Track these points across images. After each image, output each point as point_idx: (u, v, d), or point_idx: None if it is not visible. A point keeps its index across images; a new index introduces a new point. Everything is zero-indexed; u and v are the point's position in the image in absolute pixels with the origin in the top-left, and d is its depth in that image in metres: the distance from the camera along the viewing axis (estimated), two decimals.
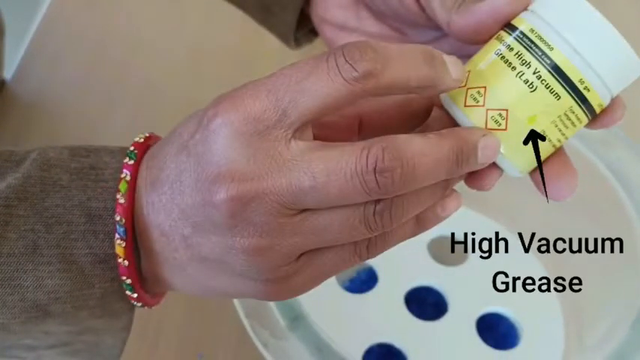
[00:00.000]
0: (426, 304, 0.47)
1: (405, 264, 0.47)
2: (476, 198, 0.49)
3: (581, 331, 0.42)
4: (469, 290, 0.46)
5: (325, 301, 0.45)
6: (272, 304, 0.34)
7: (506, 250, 0.48)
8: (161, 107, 0.63)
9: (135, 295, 0.26)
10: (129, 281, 0.26)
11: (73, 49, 0.67)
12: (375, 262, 0.47)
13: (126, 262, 0.25)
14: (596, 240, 0.42)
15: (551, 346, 0.43)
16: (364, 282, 0.49)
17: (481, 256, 0.47)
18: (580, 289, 0.43)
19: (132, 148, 0.26)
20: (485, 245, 0.48)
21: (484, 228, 0.49)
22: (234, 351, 0.47)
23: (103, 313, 0.27)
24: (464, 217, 0.49)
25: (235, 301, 0.34)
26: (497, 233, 0.49)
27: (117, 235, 0.25)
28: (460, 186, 0.52)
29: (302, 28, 0.40)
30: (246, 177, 0.23)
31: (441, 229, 0.49)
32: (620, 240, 0.39)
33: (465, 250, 0.48)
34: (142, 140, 0.27)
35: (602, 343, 0.35)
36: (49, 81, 0.65)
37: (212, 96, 0.68)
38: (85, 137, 0.60)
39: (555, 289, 0.45)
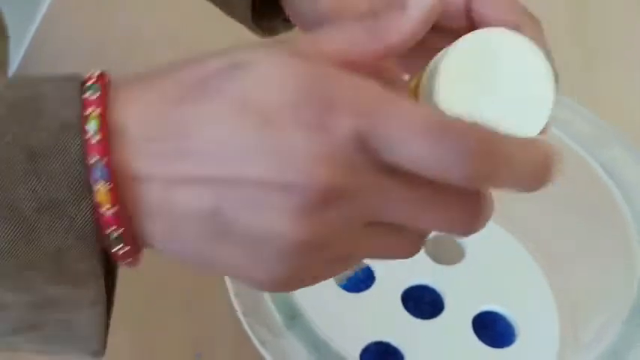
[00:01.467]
0: (423, 302, 0.47)
1: (401, 263, 0.47)
2: None
3: (576, 329, 0.42)
4: (465, 289, 0.46)
5: (322, 300, 0.45)
6: (270, 302, 0.35)
7: (503, 250, 0.48)
8: None
9: (123, 251, 0.22)
10: (119, 231, 0.22)
11: (73, 49, 0.67)
12: (372, 261, 0.48)
13: (111, 210, 0.21)
14: (590, 238, 0.43)
15: (547, 344, 0.43)
16: (361, 281, 0.50)
17: (477, 256, 0.48)
18: (575, 287, 0.43)
19: (91, 82, 0.22)
20: (481, 245, 0.48)
21: None
22: (232, 351, 0.47)
23: (61, 278, 0.22)
24: None
25: (233, 300, 0.34)
26: (493, 233, 0.49)
27: (95, 178, 0.21)
28: None
29: (275, 16, 0.37)
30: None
31: None
32: (614, 238, 0.39)
33: (462, 250, 0.49)
34: (96, 76, 0.23)
35: (596, 340, 0.35)
36: None
37: None
38: None
39: (550, 286, 0.46)
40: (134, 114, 0.22)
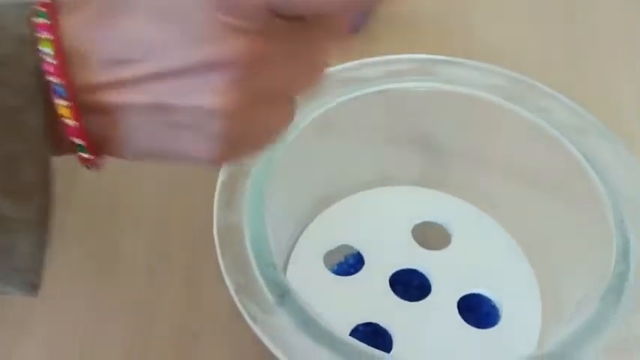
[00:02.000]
0: (411, 286, 0.49)
1: (390, 248, 0.49)
2: (459, 186, 0.51)
3: (558, 307, 0.44)
4: (451, 273, 0.48)
5: (312, 284, 0.47)
6: (261, 280, 0.36)
7: (487, 235, 0.50)
8: None
9: (87, 157, 0.26)
10: (82, 142, 0.25)
11: None
12: (362, 247, 0.49)
13: (72, 123, 0.25)
14: (570, 221, 0.44)
15: (530, 323, 0.45)
16: (351, 266, 0.51)
17: (463, 241, 0.49)
18: (555, 268, 0.45)
19: (42, 9, 0.25)
20: (467, 231, 0.50)
21: (466, 214, 0.51)
22: (227, 332, 0.49)
23: (8, 187, 0.23)
24: (447, 204, 0.52)
25: (225, 278, 0.36)
26: (478, 219, 0.51)
27: (55, 97, 0.24)
28: (447, 176, 0.53)
29: None
30: None
31: (424, 216, 0.51)
32: (592, 221, 0.41)
33: (448, 236, 0.50)
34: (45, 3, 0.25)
35: (575, 315, 0.37)
36: None
37: None
38: None
39: (533, 268, 0.47)
40: (78, 33, 0.24)
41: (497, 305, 0.47)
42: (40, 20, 0.24)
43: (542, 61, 0.67)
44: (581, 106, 0.45)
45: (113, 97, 0.25)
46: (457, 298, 0.46)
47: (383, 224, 0.51)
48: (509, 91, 0.45)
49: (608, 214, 0.40)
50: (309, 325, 0.35)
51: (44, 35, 0.24)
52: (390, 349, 0.44)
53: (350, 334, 0.45)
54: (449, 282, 0.47)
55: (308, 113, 0.44)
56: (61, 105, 0.24)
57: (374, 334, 0.46)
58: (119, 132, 0.26)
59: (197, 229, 0.54)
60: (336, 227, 0.50)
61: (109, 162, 0.28)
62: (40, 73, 0.24)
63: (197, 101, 0.24)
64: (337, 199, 0.51)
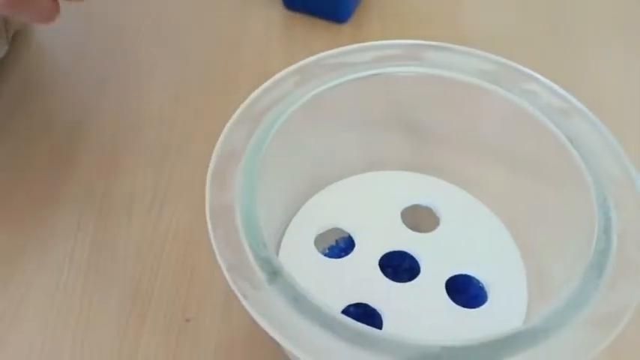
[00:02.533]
0: (400, 267, 0.50)
1: (380, 231, 0.50)
2: (446, 170, 0.52)
3: (543, 286, 0.45)
4: (440, 254, 0.49)
5: (303, 266, 0.48)
6: (252, 259, 0.37)
7: (475, 218, 0.51)
8: (149, 88, 0.65)
9: None
10: None
11: (60, 33, 0.69)
12: (352, 231, 0.50)
13: None
14: (555, 203, 0.45)
15: (516, 302, 0.46)
16: (343, 249, 0.52)
17: (451, 224, 0.50)
18: (540, 248, 0.46)
19: None
20: (455, 213, 0.51)
21: (454, 197, 0.52)
22: (221, 316, 0.50)
23: None
24: (435, 187, 0.53)
25: (218, 257, 0.37)
26: (466, 202, 0.52)
27: None
28: (435, 160, 0.54)
29: None
30: None
31: (413, 200, 0.52)
32: (576, 203, 0.42)
33: (437, 218, 0.51)
34: None
35: (559, 293, 0.38)
36: (37, 67, 0.67)
37: (199, 77, 0.71)
38: (76, 124, 0.62)
39: (519, 249, 0.48)
40: None
41: (485, 286, 0.48)
42: None
43: (529, 46, 0.68)
44: (566, 90, 0.46)
45: None
46: (445, 279, 0.47)
47: (373, 208, 0.51)
48: (495, 75, 0.46)
49: (591, 194, 0.41)
50: (300, 301, 0.36)
51: None
52: (380, 329, 0.45)
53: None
54: (437, 263, 0.48)
55: (297, 98, 0.45)
56: None
57: (364, 315, 0.47)
58: None
59: (191, 213, 0.55)
60: (327, 211, 0.51)
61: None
62: None
63: None
64: (327, 184, 0.52)
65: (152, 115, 0.61)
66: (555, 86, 0.45)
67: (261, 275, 0.36)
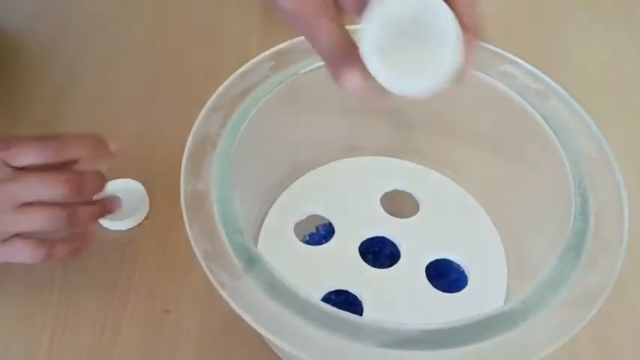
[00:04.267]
0: (381, 253, 0.50)
1: (360, 218, 0.50)
2: (425, 155, 0.52)
3: (522, 267, 0.45)
4: (420, 239, 0.48)
5: (283, 255, 0.47)
6: (228, 247, 0.36)
7: (454, 202, 0.51)
8: (123, 80, 0.64)
9: None
10: None
11: (37, 24, 0.68)
12: (332, 217, 0.50)
13: None
14: (533, 185, 0.45)
15: (496, 285, 0.46)
16: (323, 236, 0.52)
17: (431, 209, 0.50)
18: (519, 230, 0.46)
19: None
20: (435, 198, 0.51)
21: (433, 182, 0.52)
22: (199, 308, 0.49)
23: None
24: (414, 172, 0.52)
25: (193, 245, 0.36)
26: (444, 186, 0.52)
27: None
28: (413, 145, 0.54)
29: None
30: None
31: (392, 185, 0.51)
32: (554, 184, 0.42)
33: (417, 203, 0.51)
34: None
35: (537, 275, 0.38)
36: (13, 56, 0.66)
37: (173, 68, 0.69)
38: (51, 109, 0.61)
39: (498, 232, 0.48)
40: None
41: (465, 270, 0.48)
42: None
43: (508, 29, 0.68)
44: (544, 72, 0.46)
45: None
46: (426, 264, 0.47)
47: (352, 194, 0.51)
48: None
49: (568, 175, 0.41)
50: (277, 289, 0.35)
51: None
52: (361, 315, 0.45)
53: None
54: (418, 248, 0.48)
55: (273, 84, 0.44)
56: None
57: (345, 302, 0.47)
58: None
59: (169, 202, 0.54)
60: (306, 198, 0.51)
61: None
62: None
63: None
64: (306, 171, 0.52)
65: (129, 104, 0.60)
66: (532, 68, 0.45)
67: (237, 263, 0.36)
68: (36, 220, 0.42)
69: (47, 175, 0.42)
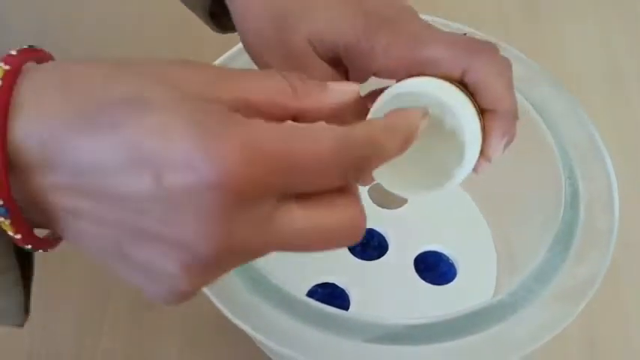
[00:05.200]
0: (369, 245, 0.49)
1: None
2: None
3: (512, 260, 0.44)
4: (409, 231, 0.48)
5: None
6: None
7: (443, 193, 0.50)
8: None
9: (18, 237, 0.23)
10: (29, 246, 0.24)
11: (19, 15, 0.67)
12: None
13: (18, 236, 0.23)
14: (522, 175, 0.44)
15: (486, 276, 0.45)
16: None
17: (419, 199, 0.49)
18: (509, 221, 0.45)
19: None
20: None
21: None
22: (183, 305, 0.48)
23: None
24: None
25: None
26: None
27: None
28: None
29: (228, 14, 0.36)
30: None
31: None
32: (543, 173, 0.41)
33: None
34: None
35: (526, 266, 0.37)
36: None
37: (162, 50, 0.67)
38: None
39: (488, 223, 0.48)
40: (34, 137, 0.22)
41: (454, 261, 0.47)
42: None
43: (495, 14, 0.67)
44: (533, 59, 0.45)
45: (68, 220, 0.23)
46: (414, 256, 0.46)
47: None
48: None
49: (558, 164, 0.40)
50: (260, 283, 0.35)
51: None
52: (348, 309, 0.44)
53: (307, 296, 0.45)
54: (406, 240, 0.47)
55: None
56: (4, 223, 0.23)
57: (331, 295, 0.46)
58: (69, 237, 0.24)
59: None
60: None
61: None
62: None
63: (158, 261, 0.23)
64: None
65: None
66: (521, 54, 0.44)
67: None
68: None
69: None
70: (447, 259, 0.48)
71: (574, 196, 0.38)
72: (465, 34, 0.32)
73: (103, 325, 0.47)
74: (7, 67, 0.22)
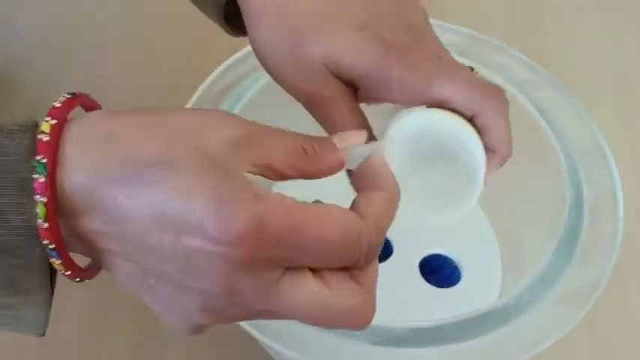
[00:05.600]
0: None
1: None
2: None
3: (517, 263, 0.44)
4: (413, 234, 0.48)
5: None
6: None
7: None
8: (112, 71, 0.63)
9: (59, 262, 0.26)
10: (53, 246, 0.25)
11: (23, 14, 0.67)
12: None
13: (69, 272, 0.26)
14: (527, 178, 0.44)
15: (490, 280, 0.45)
16: None
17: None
18: (514, 224, 0.45)
19: (40, 158, 0.24)
20: None
21: None
22: None
23: (14, 293, 0.27)
24: None
25: None
26: None
27: (52, 256, 0.25)
28: None
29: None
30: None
31: None
32: (548, 176, 0.41)
33: None
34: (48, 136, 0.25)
35: (532, 268, 0.37)
36: None
37: (161, 63, 0.67)
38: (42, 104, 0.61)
39: (493, 227, 0.48)
40: (79, 188, 0.25)
41: (459, 265, 0.47)
42: (38, 177, 0.24)
43: (500, 18, 0.67)
44: (537, 62, 0.45)
45: (104, 257, 0.26)
46: (419, 259, 0.47)
47: (344, 189, 0.50)
48: (465, 47, 0.45)
49: (563, 167, 0.40)
50: None
51: (39, 198, 0.24)
52: None
53: None
54: (411, 244, 0.47)
55: (258, 79, 0.43)
56: (55, 262, 0.26)
57: None
58: (107, 269, 0.28)
59: None
60: (297, 194, 0.50)
61: None
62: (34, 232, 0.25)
63: (179, 299, 0.26)
64: None
65: (115, 99, 0.60)
66: (525, 58, 0.44)
67: None
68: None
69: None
70: (452, 262, 0.48)
71: (579, 199, 0.38)
72: (472, 69, 0.33)
73: (110, 327, 0.47)
74: (53, 122, 0.25)
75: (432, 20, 0.46)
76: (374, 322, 0.34)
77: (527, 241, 0.44)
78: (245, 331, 0.34)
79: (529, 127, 0.42)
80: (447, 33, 0.46)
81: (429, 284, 0.46)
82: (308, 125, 0.49)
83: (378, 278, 0.45)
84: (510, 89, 0.43)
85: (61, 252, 0.25)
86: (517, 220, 0.46)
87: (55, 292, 0.51)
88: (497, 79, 0.44)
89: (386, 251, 0.48)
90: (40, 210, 0.24)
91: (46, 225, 0.24)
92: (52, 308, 0.47)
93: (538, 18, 0.68)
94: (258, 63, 0.41)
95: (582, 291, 0.35)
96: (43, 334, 0.30)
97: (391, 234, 0.48)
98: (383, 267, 0.46)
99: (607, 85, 0.62)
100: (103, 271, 0.48)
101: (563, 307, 0.34)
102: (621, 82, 0.62)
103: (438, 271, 0.48)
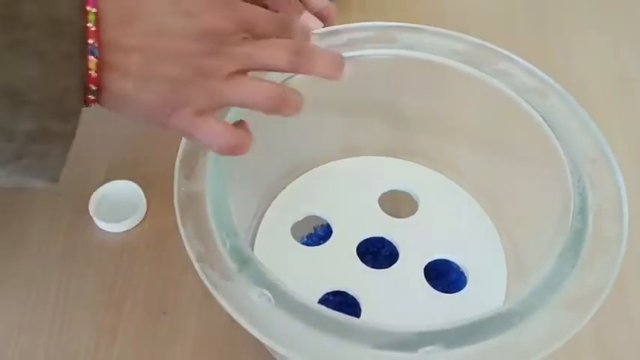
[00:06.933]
0: (380, 254, 0.49)
1: (358, 218, 0.49)
2: (424, 154, 0.51)
3: (522, 269, 0.45)
4: (419, 239, 0.48)
5: (280, 255, 0.47)
6: (221, 248, 0.36)
7: (453, 201, 0.50)
8: None
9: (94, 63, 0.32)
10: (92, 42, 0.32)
11: None
12: (330, 218, 0.49)
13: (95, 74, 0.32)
14: (532, 184, 0.45)
15: (496, 285, 0.46)
16: (321, 237, 0.51)
17: (430, 208, 0.50)
18: (519, 230, 0.45)
19: None
20: (433, 197, 0.50)
21: (432, 181, 0.51)
22: (197, 309, 0.49)
23: (58, 111, 0.31)
24: (412, 172, 0.52)
25: (187, 246, 0.36)
26: (444, 186, 0.51)
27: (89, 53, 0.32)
28: (412, 144, 0.53)
29: None
30: None
31: (390, 185, 0.51)
32: (553, 183, 0.41)
33: (415, 203, 0.50)
34: None
35: (537, 273, 0.37)
36: None
37: None
38: None
39: (498, 232, 0.48)
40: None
41: (464, 270, 0.47)
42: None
43: (504, 25, 0.67)
44: (542, 70, 0.45)
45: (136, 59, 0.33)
46: (424, 265, 0.47)
47: (350, 194, 0.51)
48: (470, 56, 0.46)
49: (567, 174, 0.40)
50: (272, 290, 0.35)
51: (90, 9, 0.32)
52: (359, 316, 0.45)
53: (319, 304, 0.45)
54: (416, 249, 0.48)
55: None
56: (92, 61, 0.32)
57: (343, 303, 0.46)
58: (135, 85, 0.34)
59: (167, 203, 0.54)
60: (303, 198, 0.50)
61: None
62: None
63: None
64: (302, 171, 0.51)
65: None
66: (530, 66, 0.45)
67: (231, 265, 0.36)
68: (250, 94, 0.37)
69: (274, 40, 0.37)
70: (458, 267, 0.48)
71: (583, 205, 0.38)
72: None
73: (118, 329, 0.48)
74: None
75: (433, 29, 0.47)
76: (380, 326, 0.35)
77: (531, 246, 0.44)
78: (253, 335, 0.34)
79: (534, 134, 0.43)
80: (452, 41, 0.46)
81: (434, 289, 0.46)
82: (322, 126, 0.49)
83: (385, 283, 0.46)
84: (515, 96, 0.44)
85: (100, 50, 0.32)
86: (522, 225, 0.46)
87: (62, 292, 0.51)
88: (501, 87, 0.44)
89: (391, 256, 0.48)
90: (91, 17, 0.32)
91: (94, 28, 0.31)
92: (58, 310, 0.48)
93: (540, 24, 0.68)
94: None
95: (587, 296, 0.35)
96: (58, 179, 0.34)
97: (397, 239, 0.48)
98: (388, 272, 0.47)
99: (610, 90, 0.62)
100: (107, 272, 0.49)
101: (567, 312, 0.34)
102: (625, 87, 0.63)
103: (444, 276, 0.48)
